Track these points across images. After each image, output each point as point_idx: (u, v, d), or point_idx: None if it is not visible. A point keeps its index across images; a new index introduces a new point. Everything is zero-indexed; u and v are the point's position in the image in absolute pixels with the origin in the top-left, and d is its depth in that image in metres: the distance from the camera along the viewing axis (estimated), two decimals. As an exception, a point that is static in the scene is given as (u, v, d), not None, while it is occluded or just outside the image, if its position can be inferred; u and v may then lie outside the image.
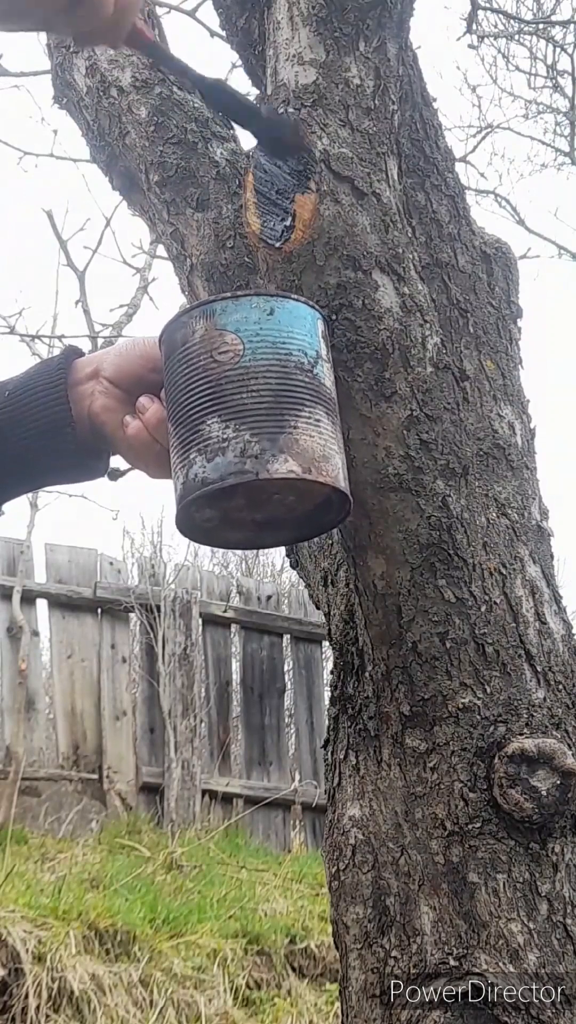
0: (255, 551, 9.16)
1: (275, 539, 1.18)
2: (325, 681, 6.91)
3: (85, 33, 1.08)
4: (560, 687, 1.39)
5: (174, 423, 1.09)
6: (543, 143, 8.31)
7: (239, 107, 1.26)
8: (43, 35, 1.92)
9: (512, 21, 6.55)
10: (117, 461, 1.25)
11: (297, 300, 1.12)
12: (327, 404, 1.09)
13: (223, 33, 1.60)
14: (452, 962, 1.32)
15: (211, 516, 1.12)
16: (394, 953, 1.37)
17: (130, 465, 1.19)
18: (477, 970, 1.31)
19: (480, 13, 4.92)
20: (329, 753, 1.49)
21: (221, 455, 1.04)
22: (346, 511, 1.12)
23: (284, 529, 1.15)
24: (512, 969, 1.30)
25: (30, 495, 5.66)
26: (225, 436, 1.04)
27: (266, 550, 8.09)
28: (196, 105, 1.68)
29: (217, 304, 1.08)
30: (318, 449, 1.06)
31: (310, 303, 1.14)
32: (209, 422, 1.05)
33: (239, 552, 9.36)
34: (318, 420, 1.07)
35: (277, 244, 1.28)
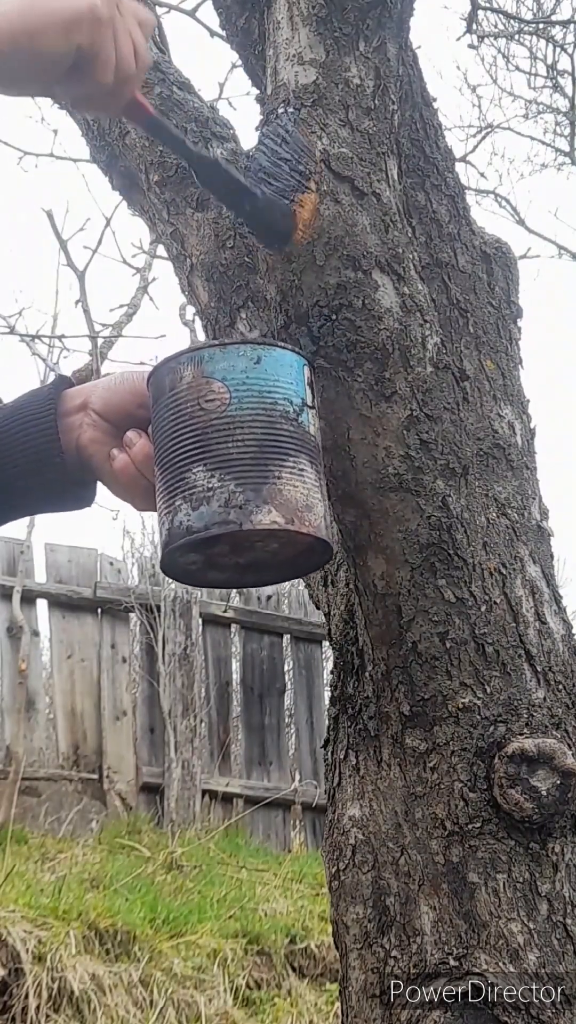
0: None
1: (257, 579, 1.20)
2: (325, 681, 6.91)
3: (82, 100, 1.08)
4: (560, 687, 1.39)
5: (160, 468, 1.11)
6: (543, 143, 8.32)
7: (234, 188, 1.23)
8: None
9: (512, 21, 6.56)
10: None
11: (284, 348, 1.14)
12: (311, 452, 1.12)
13: (223, 33, 1.60)
14: (452, 962, 1.32)
15: (195, 560, 1.15)
16: (394, 953, 1.37)
17: (116, 497, 1.20)
18: (477, 970, 1.31)
19: (480, 13, 4.92)
20: (329, 753, 1.49)
21: (206, 504, 1.07)
22: (328, 556, 1.14)
23: (266, 571, 1.18)
24: (512, 969, 1.30)
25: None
26: (210, 485, 1.07)
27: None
28: (196, 105, 1.68)
29: (205, 351, 1.10)
30: (301, 499, 1.08)
31: (296, 350, 1.16)
32: (195, 470, 1.08)
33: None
34: (302, 469, 1.10)
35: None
